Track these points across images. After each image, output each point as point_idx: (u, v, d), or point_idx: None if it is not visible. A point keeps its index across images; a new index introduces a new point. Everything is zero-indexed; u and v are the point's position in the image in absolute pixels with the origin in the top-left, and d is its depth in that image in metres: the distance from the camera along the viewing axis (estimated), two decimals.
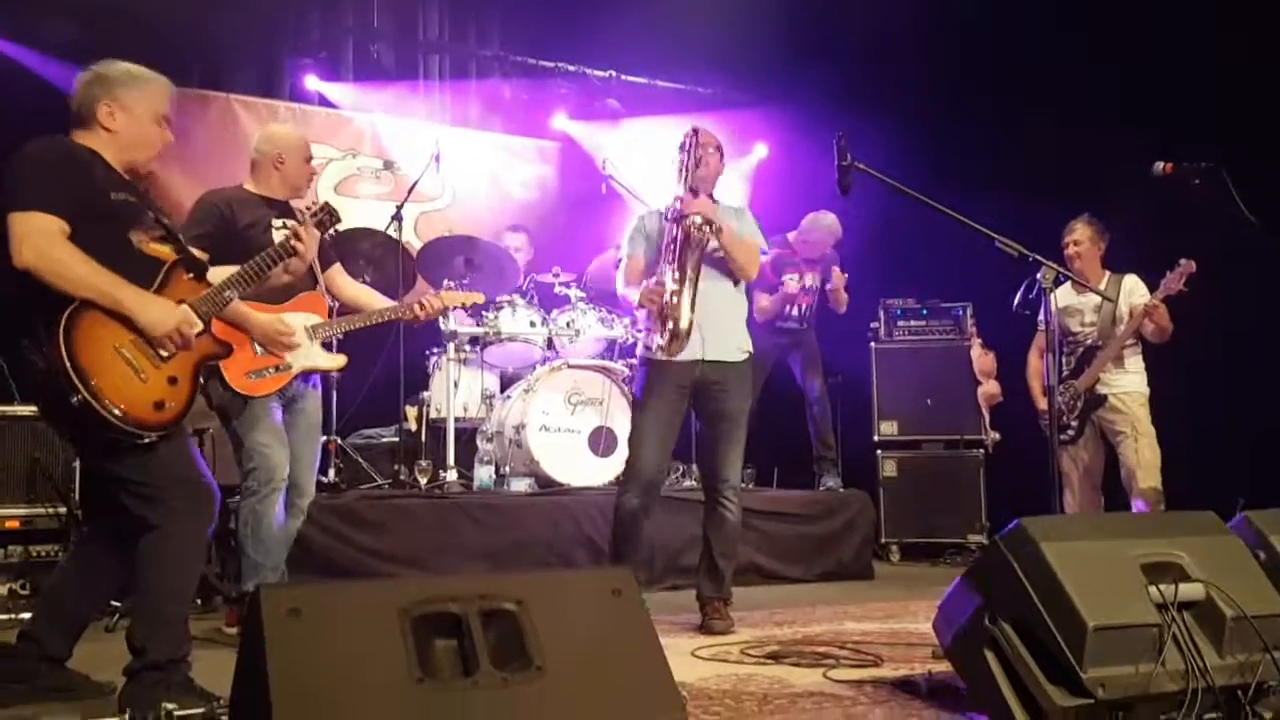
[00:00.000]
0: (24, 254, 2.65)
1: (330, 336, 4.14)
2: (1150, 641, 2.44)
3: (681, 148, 4.30)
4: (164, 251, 2.93)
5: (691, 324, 4.04)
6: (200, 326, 2.91)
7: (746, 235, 4.28)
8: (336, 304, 4.30)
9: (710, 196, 4.28)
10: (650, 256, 4.27)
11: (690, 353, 4.10)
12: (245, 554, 3.90)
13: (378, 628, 1.93)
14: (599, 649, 2.08)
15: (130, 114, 2.93)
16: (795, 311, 6.40)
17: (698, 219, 4.08)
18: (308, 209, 3.56)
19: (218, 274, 3.16)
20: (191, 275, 2.97)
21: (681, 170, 4.24)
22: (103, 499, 2.93)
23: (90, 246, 2.72)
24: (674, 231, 4.11)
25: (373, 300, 4.25)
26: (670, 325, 4.02)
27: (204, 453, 4.75)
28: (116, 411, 2.68)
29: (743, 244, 4.22)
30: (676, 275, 4.05)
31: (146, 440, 2.75)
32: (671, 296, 4.03)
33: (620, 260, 4.44)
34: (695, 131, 4.32)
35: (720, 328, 4.18)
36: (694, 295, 4.06)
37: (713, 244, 4.15)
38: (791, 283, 6.33)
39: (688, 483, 5.85)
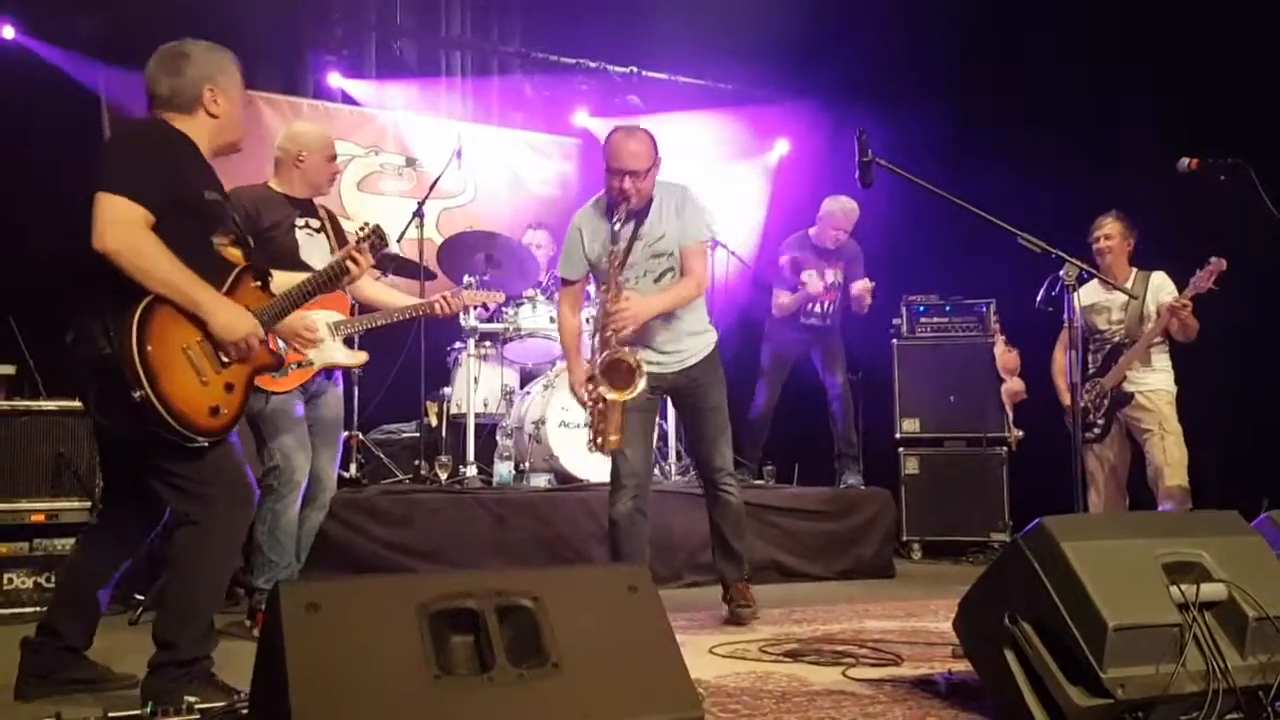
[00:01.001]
0: (107, 238, 2.62)
1: (352, 333, 4.17)
2: (1171, 641, 2.42)
3: (610, 181, 3.95)
4: (236, 256, 2.93)
5: (620, 438, 3.91)
6: (262, 335, 2.91)
7: (687, 245, 4.05)
8: (356, 302, 4.33)
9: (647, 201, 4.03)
10: (587, 271, 4.13)
11: (659, 367, 4.07)
12: (260, 551, 3.94)
13: (395, 623, 1.94)
14: (615, 645, 2.08)
15: (228, 97, 2.93)
16: (818, 309, 6.38)
17: (629, 358, 3.83)
18: (359, 231, 3.55)
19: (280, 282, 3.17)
20: (259, 284, 2.98)
21: (611, 216, 3.95)
22: (131, 487, 2.93)
23: (172, 240, 2.70)
24: (598, 363, 3.87)
25: (393, 300, 4.29)
26: (599, 440, 3.91)
27: None
28: (175, 412, 2.66)
29: (675, 294, 4.03)
30: (603, 405, 3.87)
31: (196, 444, 2.74)
32: (598, 418, 3.89)
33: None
34: (625, 174, 3.89)
35: (680, 338, 4.12)
36: (622, 413, 3.88)
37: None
38: (812, 280, 6.30)
39: None
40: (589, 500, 5.28)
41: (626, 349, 3.86)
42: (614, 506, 4.13)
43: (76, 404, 4.26)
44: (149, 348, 2.63)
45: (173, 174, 2.76)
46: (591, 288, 4.63)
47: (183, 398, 2.68)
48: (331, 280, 3.30)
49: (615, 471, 4.15)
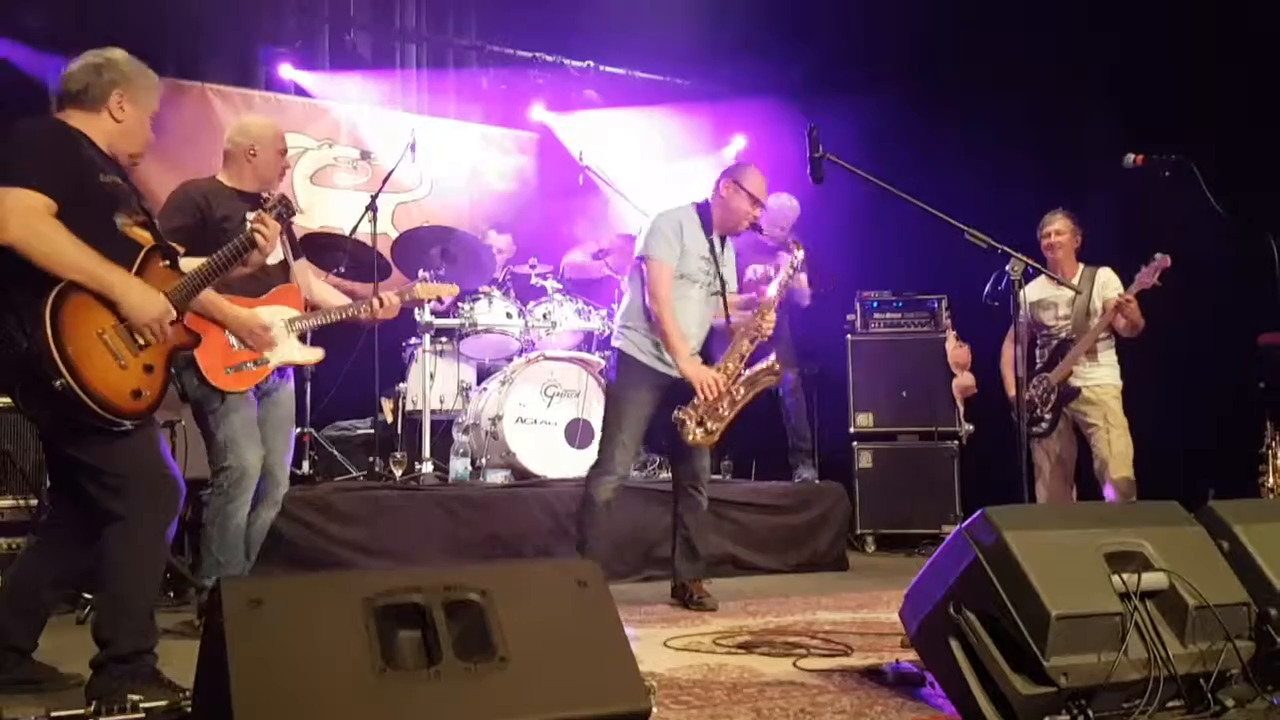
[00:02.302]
0: (10, 229, 2.62)
1: (306, 330, 4.14)
2: (1113, 630, 2.46)
3: (741, 204, 4.40)
4: (143, 236, 2.92)
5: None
6: (174, 316, 2.90)
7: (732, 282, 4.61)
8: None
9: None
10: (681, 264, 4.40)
11: (672, 369, 4.33)
12: (209, 551, 3.89)
13: (340, 618, 1.93)
14: (563, 639, 2.08)
15: (136, 107, 2.95)
16: None
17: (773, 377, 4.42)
18: (263, 199, 3.55)
19: (188, 265, 3.16)
20: (167, 263, 2.97)
21: (731, 230, 4.48)
22: (68, 485, 2.92)
23: (76, 227, 2.70)
24: (752, 368, 4.39)
25: (333, 299, 4.26)
26: (711, 425, 4.29)
27: (174, 445, 4.73)
28: (97, 398, 2.66)
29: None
30: (741, 395, 4.34)
31: (122, 428, 2.74)
32: (725, 408, 4.29)
33: (644, 258, 4.39)
34: (762, 207, 4.48)
35: (698, 342, 4.44)
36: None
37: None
38: (753, 279, 6.37)
39: (665, 474, 5.86)
40: (546, 496, 5.28)
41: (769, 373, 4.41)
42: (596, 488, 4.37)
43: None
44: (64, 336, 2.64)
45: (68, 163, 2.76)
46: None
47: (103, 382, 2.69)
48: (239, 253, 3.27)
49: (607, 458, 4.38)
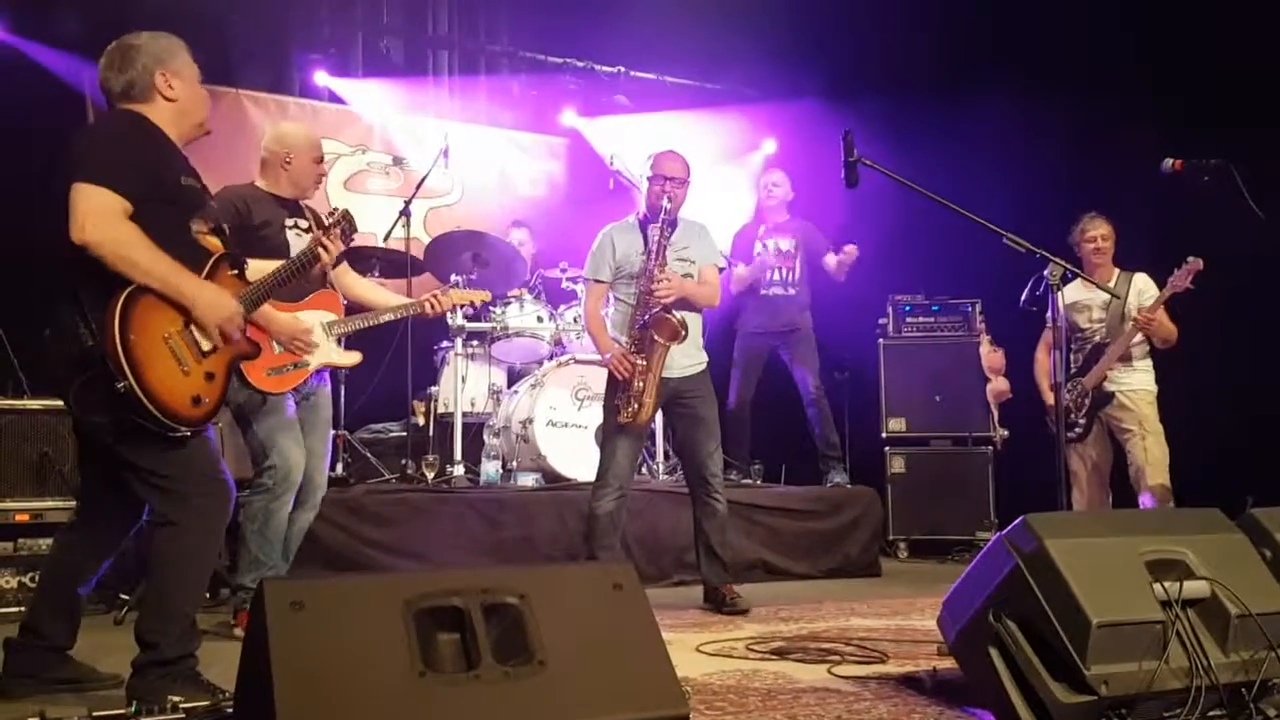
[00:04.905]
0: (86, 230, 2.60)
1: (345, 334, 4.17)
2: (1154, 638, 2.44)
3: (652, 187, 4.45)
4: (214, 244, 2.93)
5: (654, 406, 4.37)
6: (245, 319, 2.91)
7: (706, 263, 4.59)
8: (346, 301, 4.32)
9: (675, 216, 4.50)
10: (615, 276, 4.53)
11: (664, 371, 4.37)
12: (248, 549, 3.92)
13: (381, 621, 1.94)
14: (601, 643, 2.08)
15: (182, 78, 2.91)
16: (777, 276, 6.36)
17: (674, 316, 4.29)
18: (328, 215, 3.58)
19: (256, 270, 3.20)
20: (235, 272, 2.98)
21: (656, 219, 4.38)
22: (103, 484, 2.93)
23: (151, 227, 2.69)
24: (645, 319, 4.34)
25: (382, 297, 4.30)
26: (634, 407, 4.32)
27: None
28: (159, 402, 2.66)
29: (701, 290, 4.54)
30: (644, 364, 4.32)
31: (179, 434, 2.74)
32: (639, 380, 4.31)
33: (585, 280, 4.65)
34: (666, 179, 4.44)
35: (684, 346, 4.44)
36: (659, 380, 4.34)
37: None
38: (762, 251, 6.39)
39: None
40: (577, 500, 5.27)
41: (672, 311, 4.30)
42: (598, 503, 4.40)
43: (61, 403, 4.24)
44: (131, 338, 2.63)
45: (148, 162, 2.75)
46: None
47: (166, 387, 2.68)
48: (303, 267, 3.33)
49: (603, 470, 4.43)
